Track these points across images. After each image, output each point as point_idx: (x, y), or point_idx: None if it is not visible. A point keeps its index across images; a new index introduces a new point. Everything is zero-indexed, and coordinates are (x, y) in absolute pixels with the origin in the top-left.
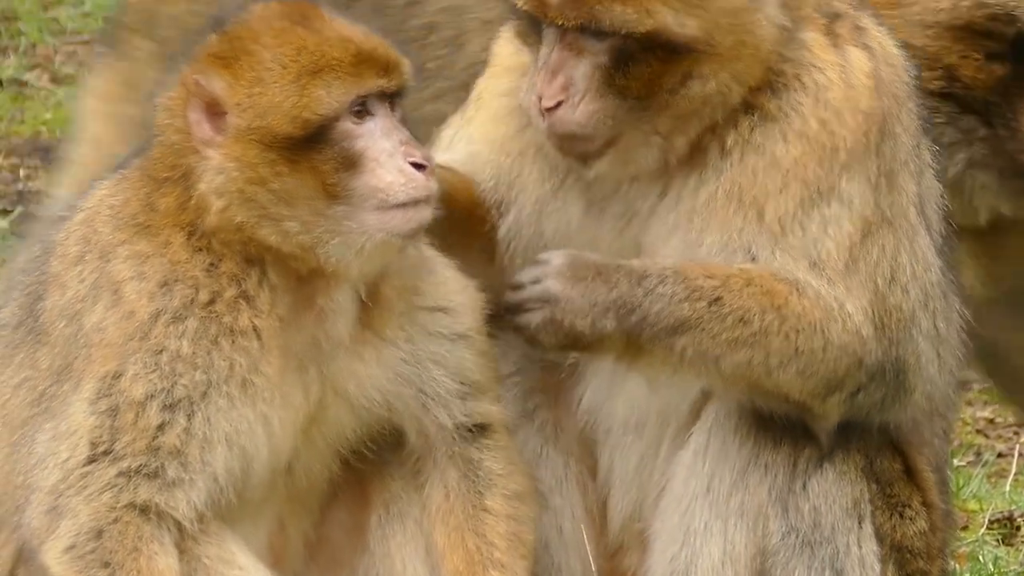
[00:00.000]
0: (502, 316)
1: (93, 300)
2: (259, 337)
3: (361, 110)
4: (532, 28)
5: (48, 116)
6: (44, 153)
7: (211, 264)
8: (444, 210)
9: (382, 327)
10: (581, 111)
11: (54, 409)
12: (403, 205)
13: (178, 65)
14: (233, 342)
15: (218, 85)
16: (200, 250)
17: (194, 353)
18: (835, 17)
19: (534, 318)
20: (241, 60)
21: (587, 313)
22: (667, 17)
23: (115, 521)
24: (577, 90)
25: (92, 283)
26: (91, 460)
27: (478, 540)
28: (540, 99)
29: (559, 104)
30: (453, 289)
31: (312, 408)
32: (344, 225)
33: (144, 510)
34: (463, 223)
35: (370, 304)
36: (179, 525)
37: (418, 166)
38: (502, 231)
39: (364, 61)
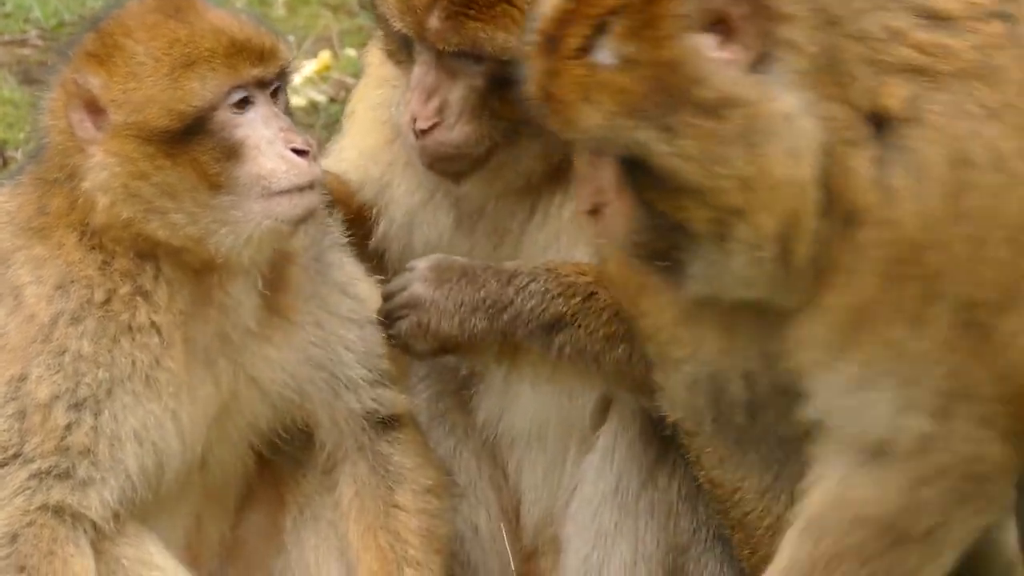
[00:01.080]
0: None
1: None
2: (159, 333)
3: (241, 100)
4: (404, 47)
5: None
6: None
7: (104, 262)
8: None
9: (290, 311)
10: (456, 133)
11: None
12: (287, 191)
13: (58, 66)
14: (133, 339)
15: (94, 83)
16: (93, 248)
17: (95, 352)
18: None
19: (403, 325)
20: (115, 56)
21: (453, 314)
22: None
23: (29, 524)
24: (452, 112)
25: None
26: (2, 464)
27: (391, 538)
28: (414, 120)
29: (433, 126)
30: (358, 277)
31: (225, 399)
32: (230, 215)
33: (58, 511)
34: (355, 226)
35: (275, 290)
36: (95, 525)
37: (300, 152)
38: (374, 240)
39: (239, 51)
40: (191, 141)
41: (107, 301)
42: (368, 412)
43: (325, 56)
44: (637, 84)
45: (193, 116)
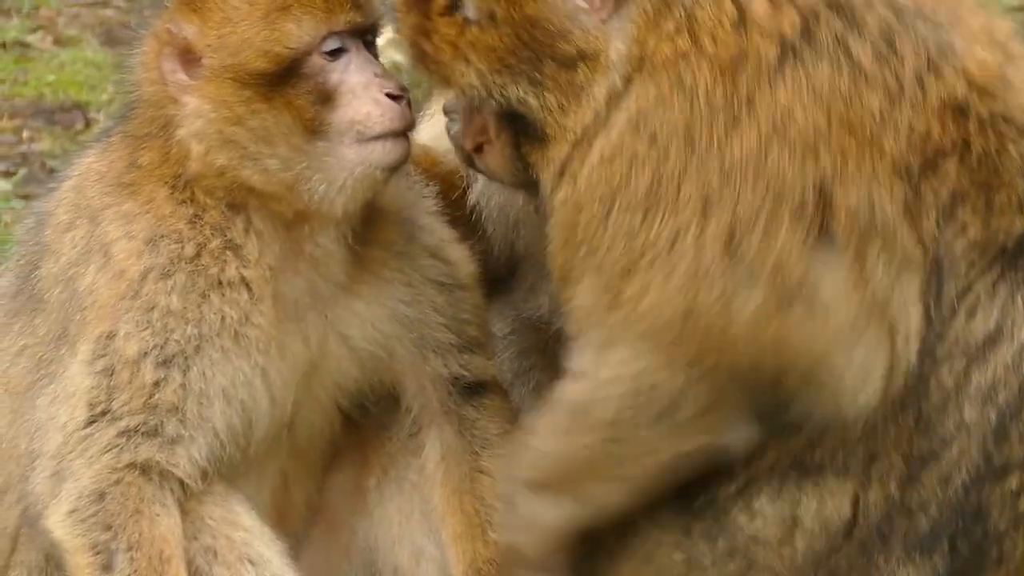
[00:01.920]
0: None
1: (85, 264)
2: (248, 288)
3: (334, 47)
4: None
5: (51, 78)
6: (47, 115)
7: (195, 215)
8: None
9: (380, 267)
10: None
11: (53, 374)
12: (382, 137)
13: (148, 20)
14: (222, 295)
15: (189, 30)
16: (183, 202)
17: (184, 308)
18: None
19: None
20: (209, 2)
21: None
22: None
23: (117, 483)
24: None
25: (83, 247)
26: (90, 422)
27: (476, 502)
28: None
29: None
30: (448, 240)
31: (314, 356)
32: (324, 161)
33: (145, 470)
34: (444, 192)
35: (366, 244)
36: (182, 484)
37: (394, 97)
38: (472, 198)
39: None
40: (286, 84)
41: (197, 255)
42: (455, 377)
43: None
44: (504, 41)
45: (289, 58)
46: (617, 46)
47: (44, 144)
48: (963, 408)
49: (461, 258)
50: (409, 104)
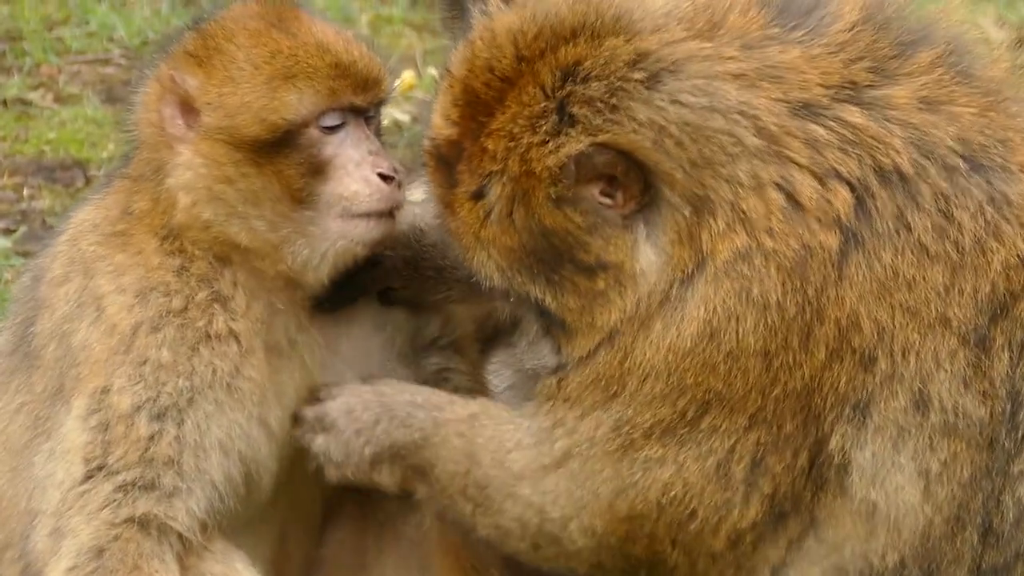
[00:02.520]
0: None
1: (79, 318)
2: (237, 340)
3: (333, 123)
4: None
5: (52, 136)
6: (48, 173)
7: (181, 267)
8: None
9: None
10: None
11: (49, 430)
12: (367, 215)
13: (155, 61)
14: (212, 348)
15: (191, 83)
16: (171, 253)
17: (175, 361)
18: None
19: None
20: (214, 59)
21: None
22: None
23: (115, 538)
24: None
25: (76, 301)
26: (87, 477)
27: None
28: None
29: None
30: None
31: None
32: (308, 229)
33: (144, 524)
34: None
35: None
36: (181, 538)
37: (385, 178)
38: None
39: (341, 74)
40: (279, 153)
41: (185, 308)
42: None
43: (409, 76)
44: (523, 244)
45: (284, 129)
46: (646, 255)
47: (44, 202)
48: None
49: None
50: (400, 185)
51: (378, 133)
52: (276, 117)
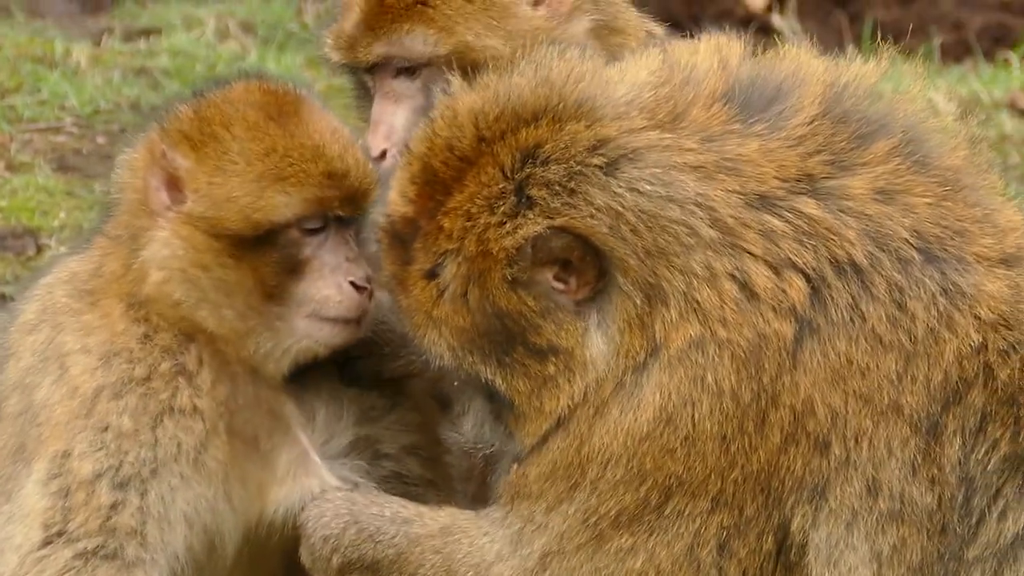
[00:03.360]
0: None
1: (42, 373)
2: (203, 418)
3: (315, 226)
4: (360, 89)
5: (3, 204)
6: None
7: (145, 335)
8: None
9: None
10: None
11: (9, 492)
12: (334, 320)
13: (149, 125)
14: (176, 421)
15: (182, 163)
16: (137, 321)
17: (136, 430)
18: None
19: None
20: (208, 146)
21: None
22: (467, 36)
23: None
24: (399, 137)
25: (43, 355)
26: (46, 543)
27: None
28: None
29: (384, 152)
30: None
31: (277, 479)
32: (275, 324)
33: None
34: None
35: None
36: None
37: (358, 287)
38: None
39: (332, 184)
40: (258, 248)
41: (147, 378)
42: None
43: None
44: (475, 325)
45: (267, 228)
46: (596, 343)
47: None
48: None
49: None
50: (371, 295)
51: (358, 235)
52: (261, 216)
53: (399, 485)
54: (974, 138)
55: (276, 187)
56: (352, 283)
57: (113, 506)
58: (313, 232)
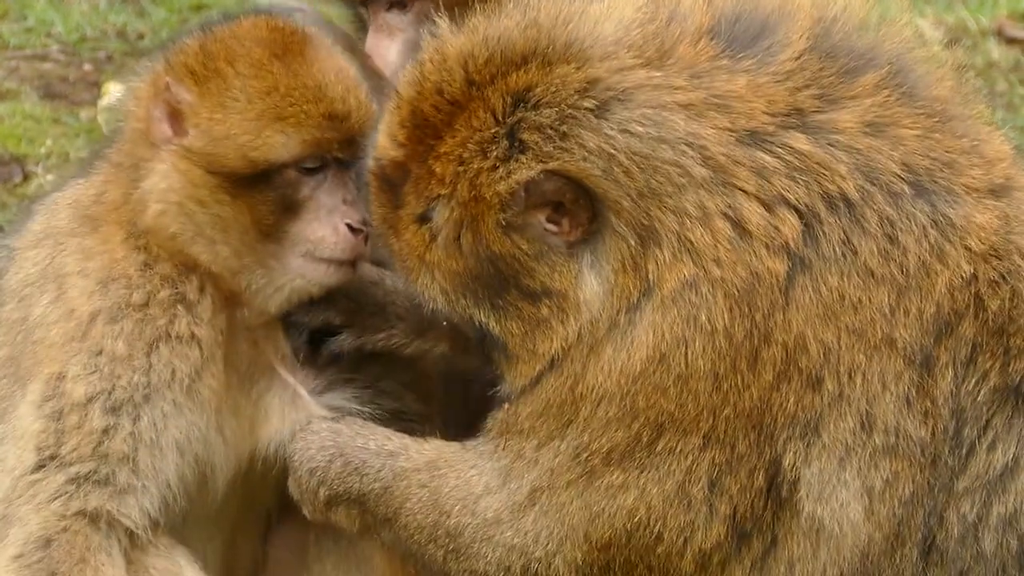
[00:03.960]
0: None
1: (40, 289)
2: (200, 346)
3: (313, 166)
4: (358, 22)
5: None
6: None
7: (145, 264)
8: None
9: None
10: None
11: (4, 411)
12: (328, 261)
13: (158, 56)
14: (172, 348)
15: (185, 97)
16: (137, 249)
17: (130, 355)
18: None
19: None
20: (212, 81)
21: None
22: None
23: (64, 530)
24: (395, 63)
25: (42, 269)
26: (39, 466)
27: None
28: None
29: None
30: None
31: (265, 416)
32: (269, 262)
33: (94, 518)
34: None
35: None
36: (130, 534)
37: (354, 229)
38: None
39: (332, 126)
40: (255, 187)
41: (145, 304)
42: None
43: None
44: (468, 268)
45: (264, 168)
46: (590, 284)
47: None
48: (982, 540)
49: None
50: (367, 239)
51: (358, 177)
52: (258, 155)
53: (397, 422)
54: (961, 67)
55: (275, 126)
56: (348, 225)
57: (105, 430)
58: (311, 172)
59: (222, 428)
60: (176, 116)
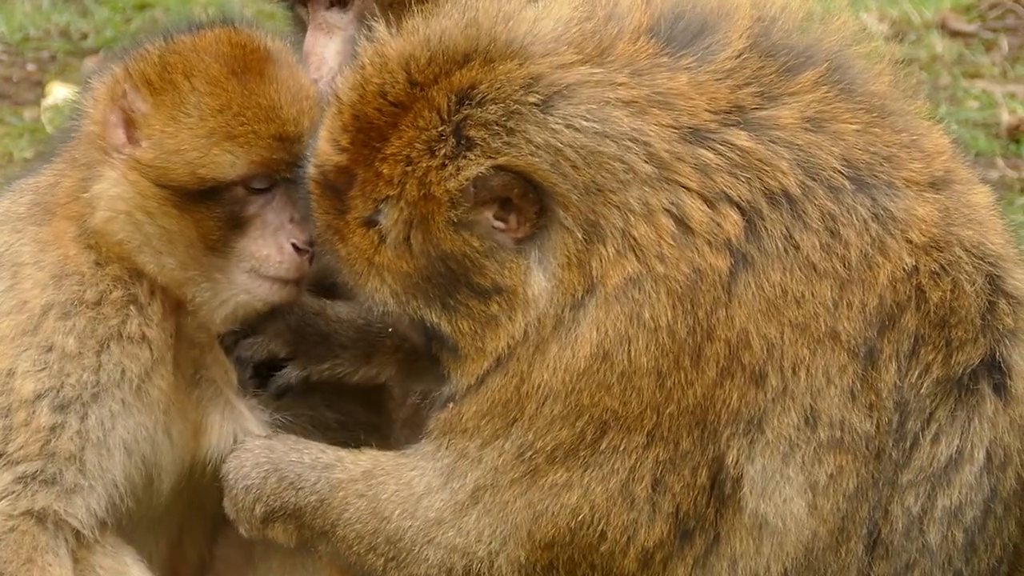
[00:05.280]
0: None
1: None
2: (150, 347)
3: (261, 186)
4: (296, 24)
5: None
6: None
7: (96, 263)
8: None
9: None
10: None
11: None
12: (272, 279)
13: (120, 57)
14: (123, 348)
15: (140, 107)
16: (88, 248)
17: (80, 353)
18: None
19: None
20: (167, 93)
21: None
22: None
23: (11, 530)
24: (329, 68)
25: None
26: None
27: None
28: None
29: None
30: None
31: (211, 420)
32: (215, 277)
33: (41, 518)
34: None
35: None
36: (77, 533)
37: (299, 249)
38: None
39: (282, 145)
40: (203, 202)
41: (98, 303)
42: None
43: None
44: (419, 269)
45: (211, 185)
46: (538, 280)
47: None
48: (928, 532)
49: None
50: (311, 258)
51: (301, 198)
52: (206, 172)
53: (342, 431)
54: (904, 61)
55: (224, 145)
56: (294, 245)
57: (52, 428)
58: (259, 191)
59: (169, 430)
60: (131, 124)
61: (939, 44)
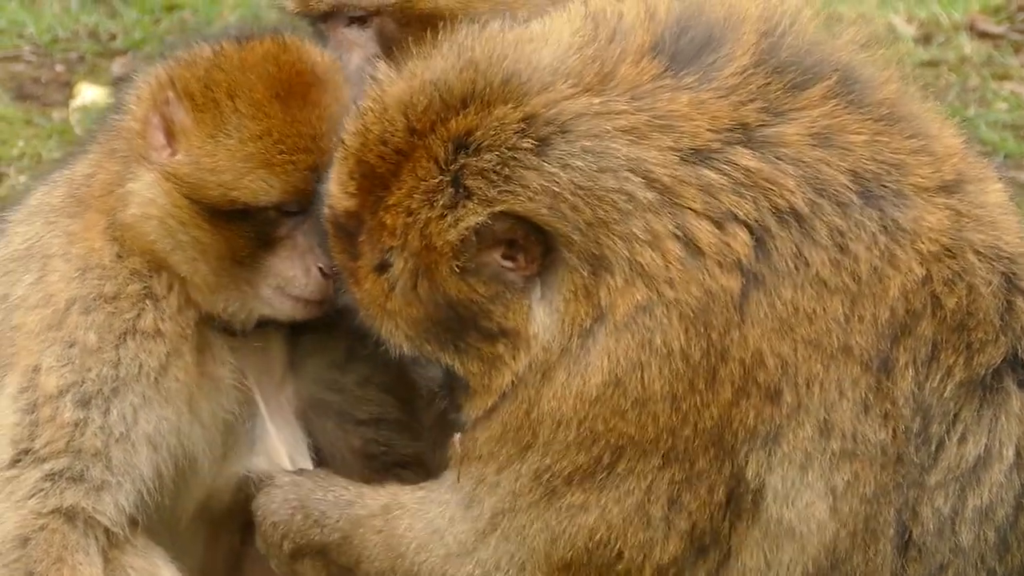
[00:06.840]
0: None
1: (24, 267)
2: (164, 340)
3: (293, 210)
4: (318, 39)
5: None
6: None
7: (118, 255)
8: None
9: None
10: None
11: None
12: (296, 298)
13: (167, 55)
14: (139, 342)
15: (180, 118)
16: (113, 240)
17: (100, 347)
18: None
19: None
20: (208, 112)
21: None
22: None
23: (41, 529)
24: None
25: (28, 247)
26: (15, 462)
27: None
28: None
29: None
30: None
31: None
32: (242, 287)
33: (71, 516)
34: None
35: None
36: (107, 532)
37: (324, 273)
38: None
39: (318, 176)
40: (234, 221)
41: (116, 296)
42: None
43: None
44: (429, 315)
45: (243, 208)
46: (540, 317)
47: None
48: (960, 533)
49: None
50: (335, 283)
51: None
52: (238, 196)
53: (377, 430)
54: (927, 64)
55: (260, 172)
56: (320, 269)
57: (76, 424)
58: (291, 214)
59: (199, 414)
60: (170, 132)
61: (968, 46)
